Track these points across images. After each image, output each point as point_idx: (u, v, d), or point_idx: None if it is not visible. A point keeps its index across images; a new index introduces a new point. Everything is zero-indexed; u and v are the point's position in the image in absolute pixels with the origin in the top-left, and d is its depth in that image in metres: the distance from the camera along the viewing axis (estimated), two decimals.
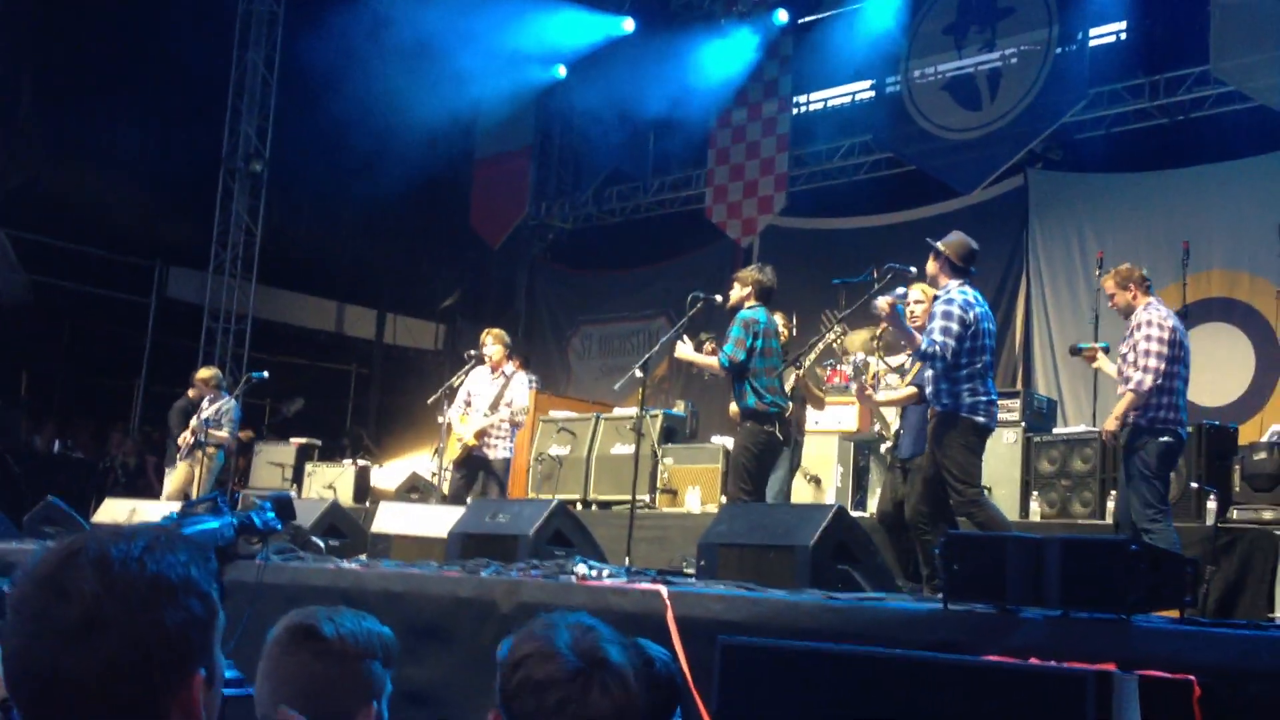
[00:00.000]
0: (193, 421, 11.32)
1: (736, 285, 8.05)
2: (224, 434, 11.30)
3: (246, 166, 15.95)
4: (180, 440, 11.38)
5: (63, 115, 14.91)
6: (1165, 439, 6.66)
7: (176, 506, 9.28)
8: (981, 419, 6.52)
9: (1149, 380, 6.60)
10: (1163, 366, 6.65)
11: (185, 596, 1.47)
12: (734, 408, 7.99)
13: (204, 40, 15.05)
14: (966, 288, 6.61)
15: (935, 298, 6.83)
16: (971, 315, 6.50)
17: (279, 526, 3.39)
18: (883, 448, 8.46)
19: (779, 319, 8.46)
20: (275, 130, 16.17)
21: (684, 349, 8.23)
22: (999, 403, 7.02)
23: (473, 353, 10.68)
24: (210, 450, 11.14)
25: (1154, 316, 6.76)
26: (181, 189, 16.16)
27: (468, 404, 9.77)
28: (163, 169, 15.59)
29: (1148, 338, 6.69)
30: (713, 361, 7.95)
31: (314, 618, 2.16)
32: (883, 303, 6.78)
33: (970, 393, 6.47)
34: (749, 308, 7.87)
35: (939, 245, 6.74)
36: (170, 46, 14.00)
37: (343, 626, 2.16)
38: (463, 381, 10.00)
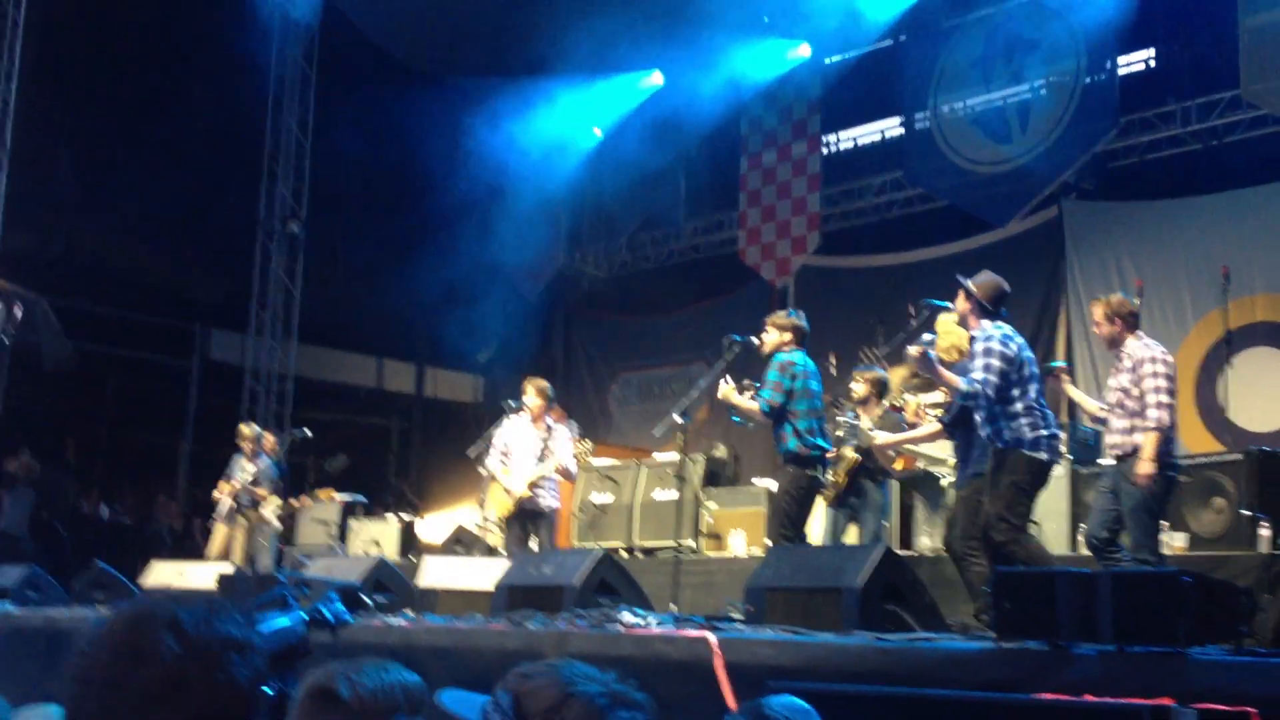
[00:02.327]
0: (234, 481, 11.38)
1: (771, 330, 8.05)
2: (263, 492, 11.37)
3: (283, 228, 16.14)
4: (219, 497, 11.42)
5: (99, 183, 15.15)
6: (1170, 473, 6.68)
7: (226, 567, 9.31)
8: (1044, 455, 6.44)
9: (1168, 417, 6.61)
10: (1175, 402, 6.73)
11: (251, 653, 1.53)
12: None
13: (237, 103, 15.29)
14: (1003, 325, 6.58)
15: (972, 338, 6.79)
16: (1013, 348, 6.48)
17: (350, 619, 3.38)
18: (944, 480, 8.41)
19: None
20: (311, 190, 16.36)
21: (726, 389, 8.21)
22: None
23: (511, 403, 10.70)
24: (252, 514, 11.23)
25: (1157, 353, 6.75)
26: (219, 251, 16.38)
27: (505, 455, 9.54)
28: (200, 232, 15.80)
29: (1155, 374, 6.66)
30: (754, 406, 7.94)
31: (332, 679, 2.16)
32: (914, 350, 6.73)
33: (1031, 427, 6.40)
34: (785, 350, 7.88)
35: (970, 285, 6.71)
36: (204, 110, 14.23)
37: (361, 686, 2.15)
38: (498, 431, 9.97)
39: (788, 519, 7.71)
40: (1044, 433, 6.41)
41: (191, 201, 15.36)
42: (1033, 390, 6.45)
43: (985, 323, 6.59)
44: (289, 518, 12.34)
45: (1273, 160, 11.41)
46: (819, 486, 7.97)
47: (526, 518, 9.44)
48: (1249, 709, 3.75)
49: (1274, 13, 10.92)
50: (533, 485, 9.29)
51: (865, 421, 8.51)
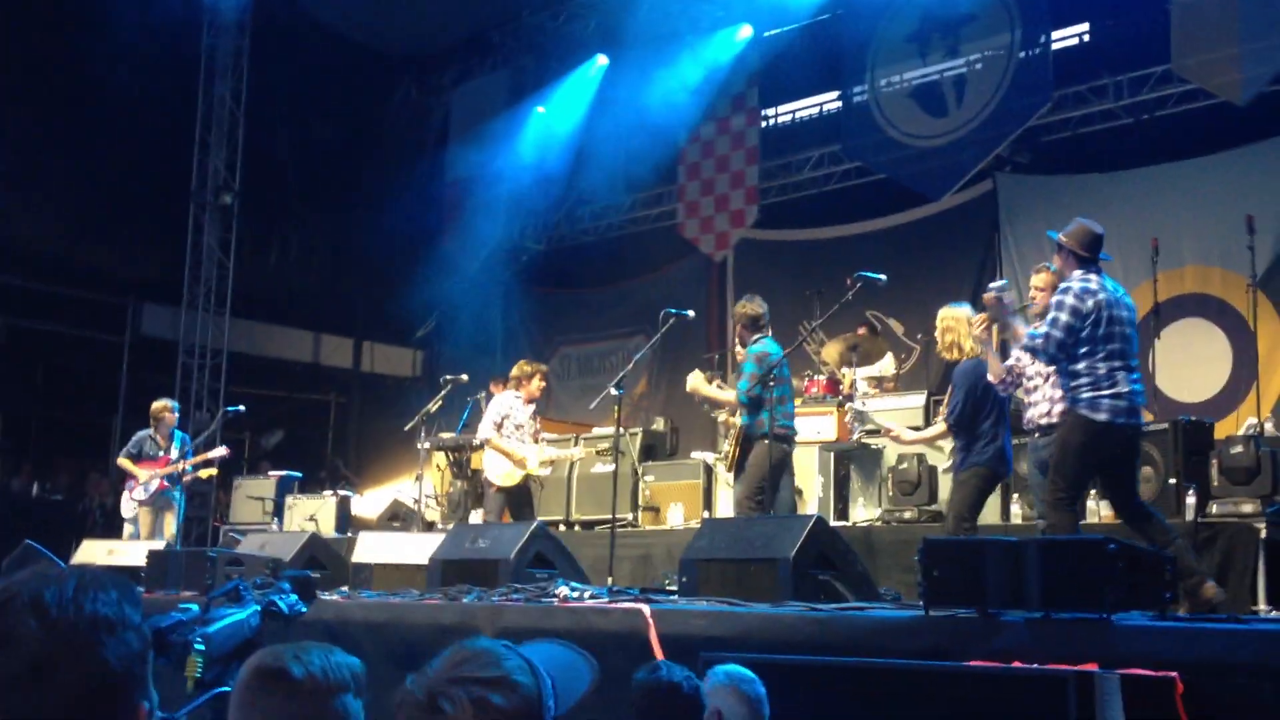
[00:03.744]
0: (163, 461, 11.13)
1: (738, 326, 8.39)
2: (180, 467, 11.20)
3: (216, 200, 15.89)
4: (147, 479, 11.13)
5: (25, 157, 14.83)
6: None
7: (156, 544, 9.16)
8: (1102, 416, 6.01)
9: None
10: None
11: (124, 632, 1.48)
12: (738, 422, 8.16)
13: (168, 74, 14.99)
14: (1091, 276, 6.19)
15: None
16: (1091, 303, 6.06)
17: (304, 609, 3.32)
18: (942, 467, 8.59)
19: None
20: (244, 162, 16.13)
21: (696, 381, 8.39)
22: None
23: (449, 378, 10.64)
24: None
25: None
26: (151, 225, 16.10)
27: (514, 428, 9.60)
28: (131, 206, 15.51)
29: None
30: (729, 396, 8.06)
31: (280, 659, 2.12)
32: (988, 297, 6.66)
33: (1092, 386, 6.03)
34: (755, 341, 8.13)
35: (1060, 237, 6.33)
36: (134, 81, 13.93)
37: (311, 664, 2.11)
38: (438, 405, 9.93)
39: (760, 489, 7.83)
40: (1105, 392, 6.01)
41: (122, 174, 15.07)
42: (1106, 347, 6.06)
43: (1075, 273, 6.22)
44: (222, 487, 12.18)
45: (1202, 134, 11.56)
46: (789, 461, 8.24)
47: (524, 492, 9.56)
48: (1171, 674, 3.82)
49: None
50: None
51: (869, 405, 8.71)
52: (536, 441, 9.72)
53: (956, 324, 7.39)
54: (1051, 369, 6.65)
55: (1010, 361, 7.08)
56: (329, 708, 2.09)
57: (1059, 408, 6.67)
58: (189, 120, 15.91)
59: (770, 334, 8.33)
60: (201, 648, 2.81)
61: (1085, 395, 6.05)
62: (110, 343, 16.66)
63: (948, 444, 8.08)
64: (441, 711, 1.81)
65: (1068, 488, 6.08)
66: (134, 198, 15.46)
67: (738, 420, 8.40)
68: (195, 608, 3.00)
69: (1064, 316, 6.08)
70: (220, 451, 11.49)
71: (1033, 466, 7.03)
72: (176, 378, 15.57)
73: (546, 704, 1.90)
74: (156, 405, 11.42)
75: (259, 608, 3.12)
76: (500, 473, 9.49)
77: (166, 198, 15.91)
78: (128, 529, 11.21)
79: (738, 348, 8.50)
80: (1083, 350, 6.08)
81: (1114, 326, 6.10)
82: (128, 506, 11.17)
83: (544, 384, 9.70)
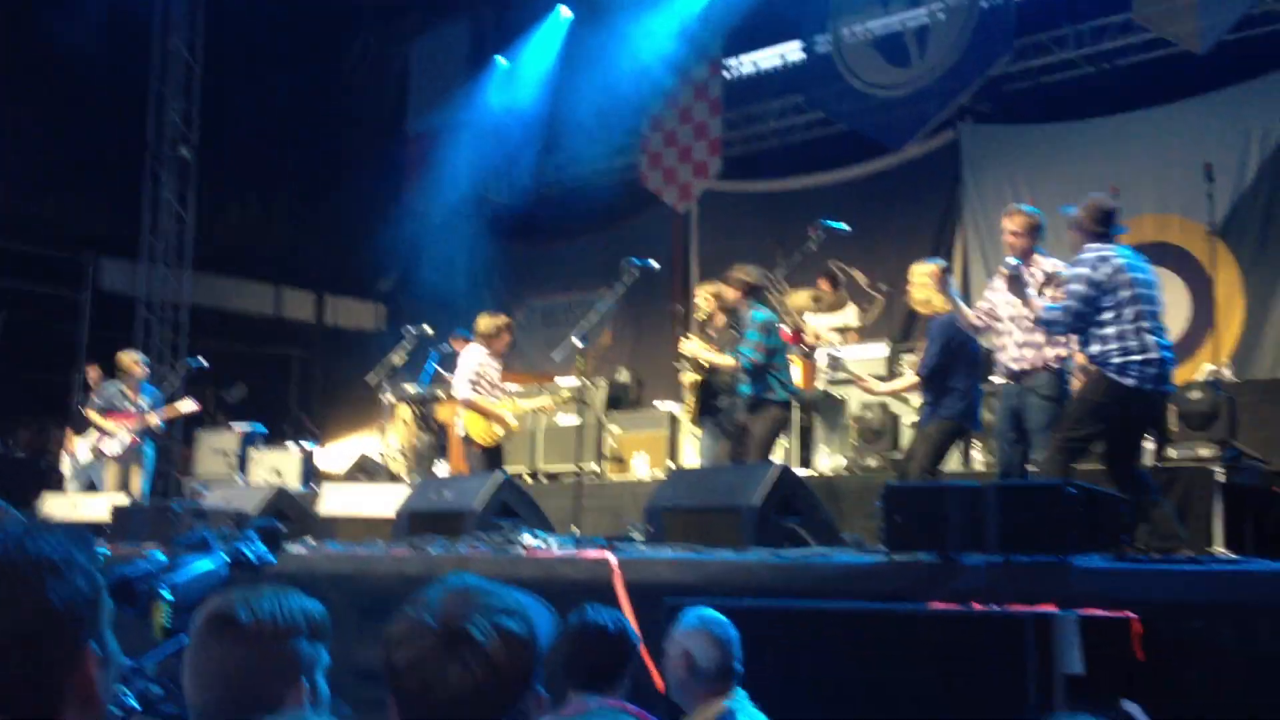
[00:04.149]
0: (131, 414, 11.09)
1: (725, 289, 8.37)
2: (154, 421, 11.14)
3: (173, 153, 15.71)
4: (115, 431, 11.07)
5: None
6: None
7: (120, 498, 9.10)
8: (1130, 381, 6.02)
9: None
10: None
11: (70, 573, 1.47)
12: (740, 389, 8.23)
13: (121, 27, 14.72)
14: (1106, 246, 6.22)
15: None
16: (1104, 271, 6.11)
17: (272, 559, 3.32)
18: (909, 421, 8.74)
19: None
20: (202, 114, 15.92)
21: (691, 346, 8.40)
22: None
23: (411, 330, 10.59)
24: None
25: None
26: (108, 178, 15.89)
27: (496, 388, 9.43)
28: (87, 159, 15.30)
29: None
30: (730, 361, 8.08)
31: (229, 604, 2.12)
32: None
33: (1122, 351, 6.03)
34: (755, 308, 8.17)
35: (1074, 213, 6.40)
36: (85, 36, 13.69)
37: (260, 609, 2.12)
38: (402, 358, 9.87)
39: (766, 453, 8.03)
40: (1136, 357, 6.02)
41: (77, 128, 14.85)
42: (1131, 311, 6.07)
43: (1090, 245, 6.28)
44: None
45: (1162, 83, 11.61)
46: (787, 422, 8.47)
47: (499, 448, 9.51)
48: (1128, 614, 3.89)
49: None
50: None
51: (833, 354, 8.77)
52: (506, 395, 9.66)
53: (929, 279, 7.43)
54: (1025, 312, 6.69)
55: (985, 305, 7.13)
56: (277, 651, 2.10)
57: (1030, 352, 6.74)
58: (145, 72, 15.69)
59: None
60: (169, 597, 2.81)
61: (1115, 360, 6.06)
62: (69, 298, 16.48)
63: (916, 398, 8.15)
64: (470, 639, 1.80)
65: (1079, 440, 6.13)
66: (91, 152, 15.26)
67: (687, 377, 8.50)
68: (163, 557, 3.00)
69: (1079, 287, 6.13)
70: (190, 406, 11.42)
71: (1004, 412, 7.05)
72: (137, 333, 15.44)
73: (543, 640, 1.92)
74: (125, 358, 11.29)
75: (227, 558, 3.13)
76: (480, 431, 9.37)
77: (124, 152, 15.71)
78: (70, 485, 11.13)
79: (710, 311, 8.53)
80: (1108, 315, 6.10)
81: (1137, 289, 6.12)
82: (72, 461, 11.08)
83: (510, 338, 9.60)
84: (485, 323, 9.55)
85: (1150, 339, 6.09)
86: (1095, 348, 6.15)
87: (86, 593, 1.49)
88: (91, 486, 11.08)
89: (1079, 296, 6.14)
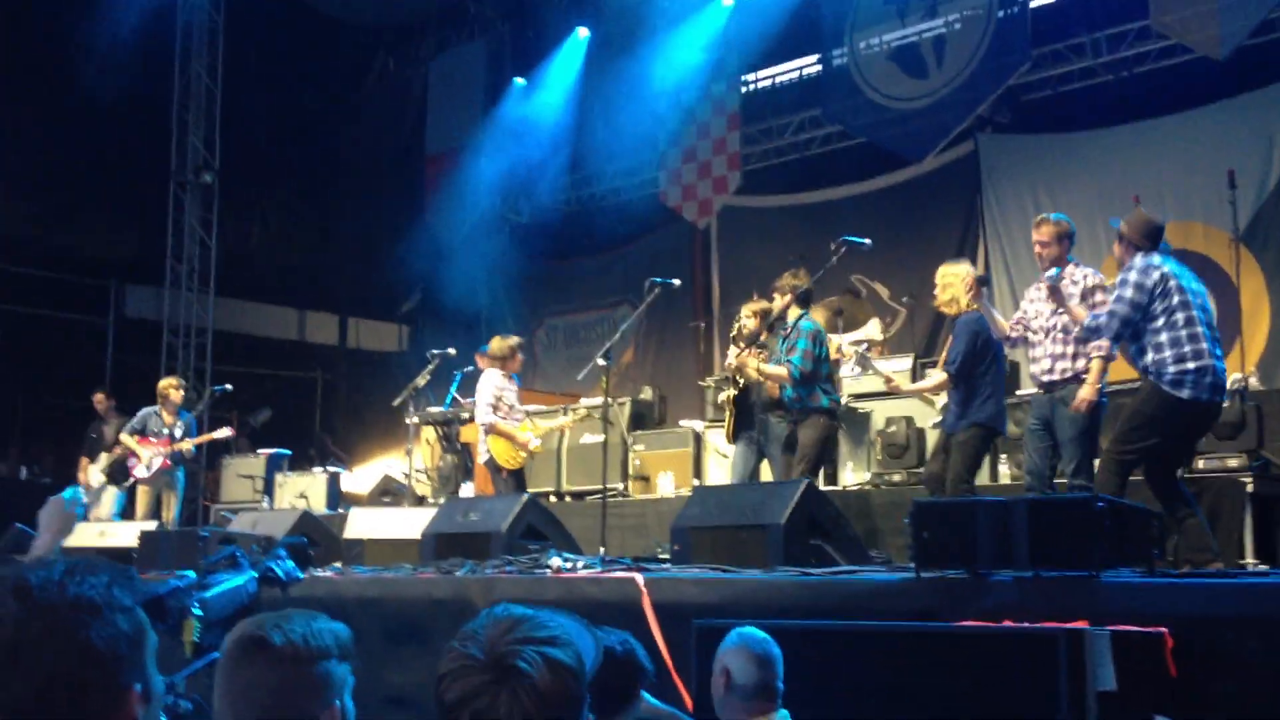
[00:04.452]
0: (163, 439, 11.14)
1: (776, 296, 8.40)
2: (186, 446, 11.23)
3: (196, 178, 15.82)
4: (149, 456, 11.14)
5: (2, 141, 14.71)
6: (1104, 399, 6.76)
7: (148, 525, 9.15)
8: (1186, 393, 5.95)
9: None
10: None
11: (110, 614, 1.48)
12: (777, 393, 8.32)
13: (142, 53, 14.85)
14: (1153, 256, 6.21)
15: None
16: (1156, 275, 6.08)
17: (300, 575, 3.34)
18: (931, 422, 8.69)
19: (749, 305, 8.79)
20: (223, 140, 16.04)
21: (741, 358, 8.44)
22: None
23: (435, 352, 10.63)
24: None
25: (1105, 281, 6.79)
26: (132, 205, 16.02)
27: (509, 409, 9.47)
28: (111, 187, 15.42)
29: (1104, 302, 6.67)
30: (780, 371, 8.08)
31: (261, 628, 2.14)
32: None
33: (1176, 360, 5.99)
34: (805, 317, 8.23)
35: (1120, 226, 6.41)
36: (109, 62, 13.82)
37: (292, 632, 2.13)
38: (426, 379, 9.89)
39: (813, 465, 8.07)
40: (1190, 366, 5.96)
41: (100, 155, 14.97)
42: (1183, 316, 6.02)
43: (1136, 258, 6.26)
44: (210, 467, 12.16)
45: (1181, 90, 11.56)
46: (835, 431, 8.54)
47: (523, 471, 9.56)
48: (1161, 629, 3.87)
49: None
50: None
51: (877, 363, 8.80)
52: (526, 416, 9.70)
53: (956, 279, 7.44)
54: (1056, 324, 6.69)
55: (1018, 314, 7.15)
56: (311, 674, 2.11)
57: (1061, 364, 6.75)
58: (166, 98, 15.81)
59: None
60: (199, 613, 2.83)
61: (1170, 370, 6.00)
62: (94, 324, 16.61)
63: (939, 399, 8.12)
64: (519, 671, 1.82)
65: (1133, 453, 6.06)
66: (113, 178, 15.38)
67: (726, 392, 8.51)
68: (192, 574, 3.02)
69: (1129, 293, 6.10)
70: (225, 433, 11.50)
71: (1035, 422, 7.03)
72: (162, 358, 15.54)
73: (589, 666, 1.94)
74: (164, 383, 11.46)
75: (256, 575, 3.14)
76: (506, 455, 9.40)
77: (146, 177, 15.82)
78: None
79: (755, 329, 8.54)
80: (1160, 322, 6.06)
81: (1186, 295, 6.08)
82: (85, 490, 11.13)
83: (522, 357, 9.65)
84: (498, 345, 9.63)
85: (1204, 346, 6.03)
86: (1149, 357, 6.09)
87: (128, 632, 1.50)
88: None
89: (1129, 302, 6.11)
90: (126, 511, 11.46)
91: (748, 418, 8.58)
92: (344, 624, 2.27)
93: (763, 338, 8.48)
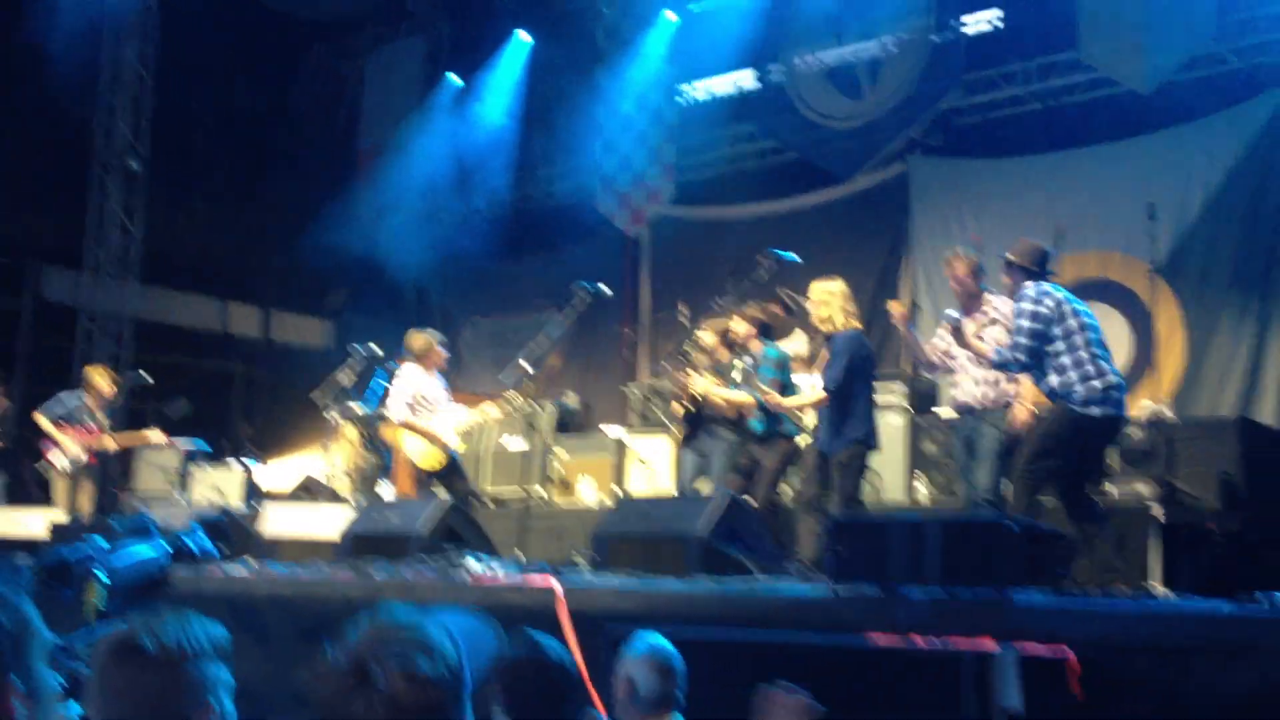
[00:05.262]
0: (93, 431, 10.88)
1: (736, 325, 8.42)
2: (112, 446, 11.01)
3: (121, 163, 15.54)
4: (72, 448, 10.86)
5: None
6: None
7: (59, 514, 8.94)
8: (1095, 410, 6.13)
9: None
10: None
11: None
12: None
13: (69, 36, 14.55)
14: (1043, 283, 6.37)
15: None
16: (1049, 302, 6.25)
17: (215, 553, 3.30)
18: (805, 442, 8.67)
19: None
20: (153, 126, 15.76)
21: (702, 383, 8.43)
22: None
23: (357, 347, 10.51)
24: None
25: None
26: (54, 188, 15.67)
27: (425, 405, 9.15)
28: (33, 168, 15.08)
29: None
30: (746, 398, 8.10)
31: (133, 631, 2.13)
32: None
33: (1081, 380, 6.13)
34: (768, 345, 8.34)
35: (1008, 256, 6.57)
36: (34, 39, 13.54)
37: (164, 635, 2.13)
38: (348, 376, 9.75)
39: (775, 485, 8.12)
40: (1097, 385, 6.12)
41: (21, 135, 14.64)
42: (1081, 339, 6.18)
43: (1027, 284, 6.41)
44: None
45: (1108, 121, 11.81)
46: (797, 454, 8.38)
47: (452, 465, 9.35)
48: (1064, 647, 3.94)
49: None
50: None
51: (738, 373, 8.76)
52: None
53: (830, 297, 7.53)
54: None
55: (940, 344, 7.25)
56: (184, 675, 2.12)
57: (983, 389, 6.88)
58: (95, 81, 15.52)
59: None
60: (106, 580, 2.81)
61: (1079, 390, 6.13)
62: (8, 306, 16.22)
63: (810, 417, 8.18)
64: (370, 680, 1.84)
65: (1042, 471, 6.18)
66: (36, 159, 15.03)
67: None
68: (104, 541, 2.98)
69: (1027, 324, 6.24)
70: (159, 438, 11.26)
71: (959, 444, 7.15)
72: (78, 344, 15.23)
73: (466, 672, 1.94)
74: (97, 375, 11.07)
75: (169, 547, 3.10)
76: (421, 453, 9.21)
77: (71, 160, 15.50)
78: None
79: (711, 347, 8.58)
80: (1061, 346, 6.20)
81: (1081, 318, 6.25)
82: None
83: (444, 352, 9.43)
84: (417, 340, 9.36)
85: (1105, 364, 6.20)
86: (1055, 380, 6.21)
87: (8, 627, 1.48)
88: None
89: (1029, 332, 6.24)
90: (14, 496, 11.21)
91: (700, 428, 8.62)
92: (257, 627, 2.27)
93: (724, 358, 8.50)
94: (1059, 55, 12.17)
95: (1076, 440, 6.20)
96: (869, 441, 7.40)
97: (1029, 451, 6.29)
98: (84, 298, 15.51)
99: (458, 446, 9.30)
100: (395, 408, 9.13)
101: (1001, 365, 6.51)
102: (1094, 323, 6.35)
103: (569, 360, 15.17)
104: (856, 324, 7.51)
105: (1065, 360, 6.18)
